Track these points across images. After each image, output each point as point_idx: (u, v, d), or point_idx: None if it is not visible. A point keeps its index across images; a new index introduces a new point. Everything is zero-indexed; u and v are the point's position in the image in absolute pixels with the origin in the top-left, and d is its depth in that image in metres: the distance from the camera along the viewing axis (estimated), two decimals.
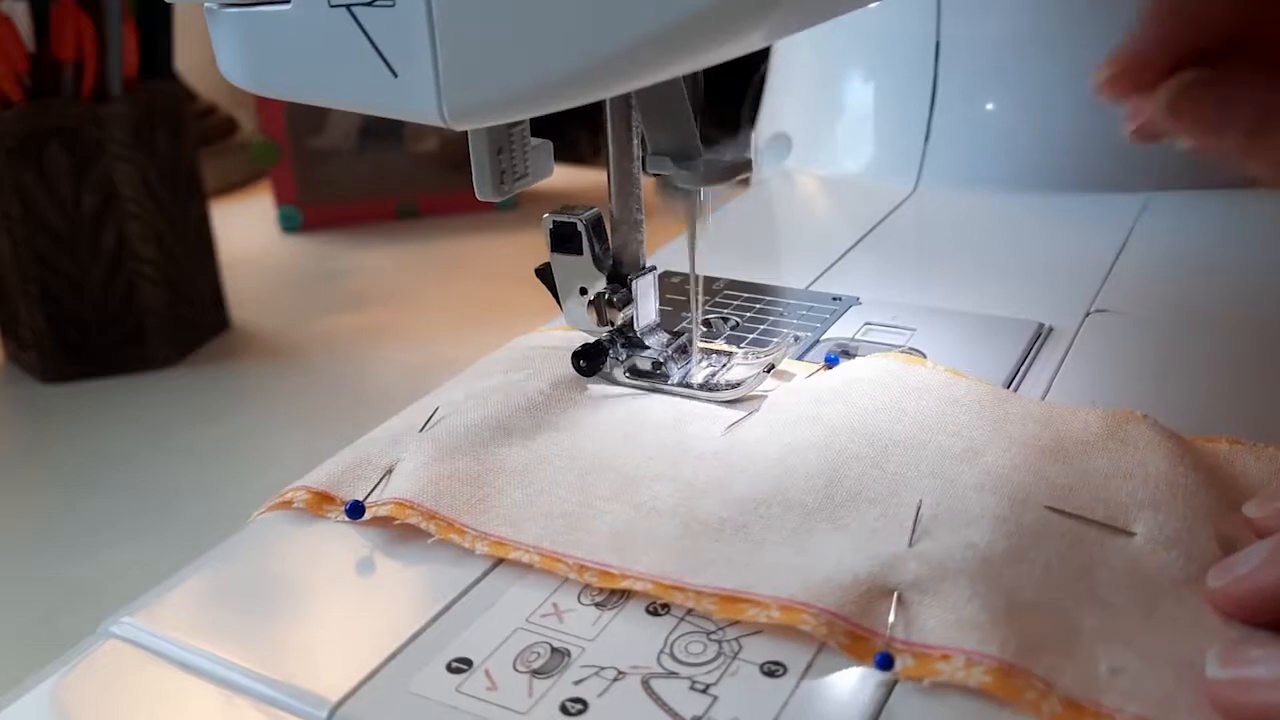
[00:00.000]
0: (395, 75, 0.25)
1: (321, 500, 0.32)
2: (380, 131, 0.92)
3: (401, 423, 0.35)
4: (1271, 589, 0.25)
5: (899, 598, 0.26)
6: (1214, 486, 0.30)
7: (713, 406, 0.36)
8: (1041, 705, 0.23)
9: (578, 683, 0.25)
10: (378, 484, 0.32)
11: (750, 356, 0.39)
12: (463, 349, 0.42)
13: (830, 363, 0.38)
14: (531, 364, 0.38)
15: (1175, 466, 0.30)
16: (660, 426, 0.34)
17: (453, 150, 0.92)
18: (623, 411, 0.36)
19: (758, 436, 0.33)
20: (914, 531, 0.28)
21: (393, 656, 0.26)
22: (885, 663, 0.24)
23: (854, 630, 0.25)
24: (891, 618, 0.25)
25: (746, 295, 0.46)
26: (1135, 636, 0.25)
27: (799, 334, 0.41)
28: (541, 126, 0.33)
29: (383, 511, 0.30)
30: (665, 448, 0.33)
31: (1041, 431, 0.32)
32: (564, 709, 0.24)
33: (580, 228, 0.36)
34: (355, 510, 0.31)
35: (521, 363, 0.39)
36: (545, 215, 0.36)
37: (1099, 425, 0.33)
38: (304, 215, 0.91)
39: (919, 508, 0.29)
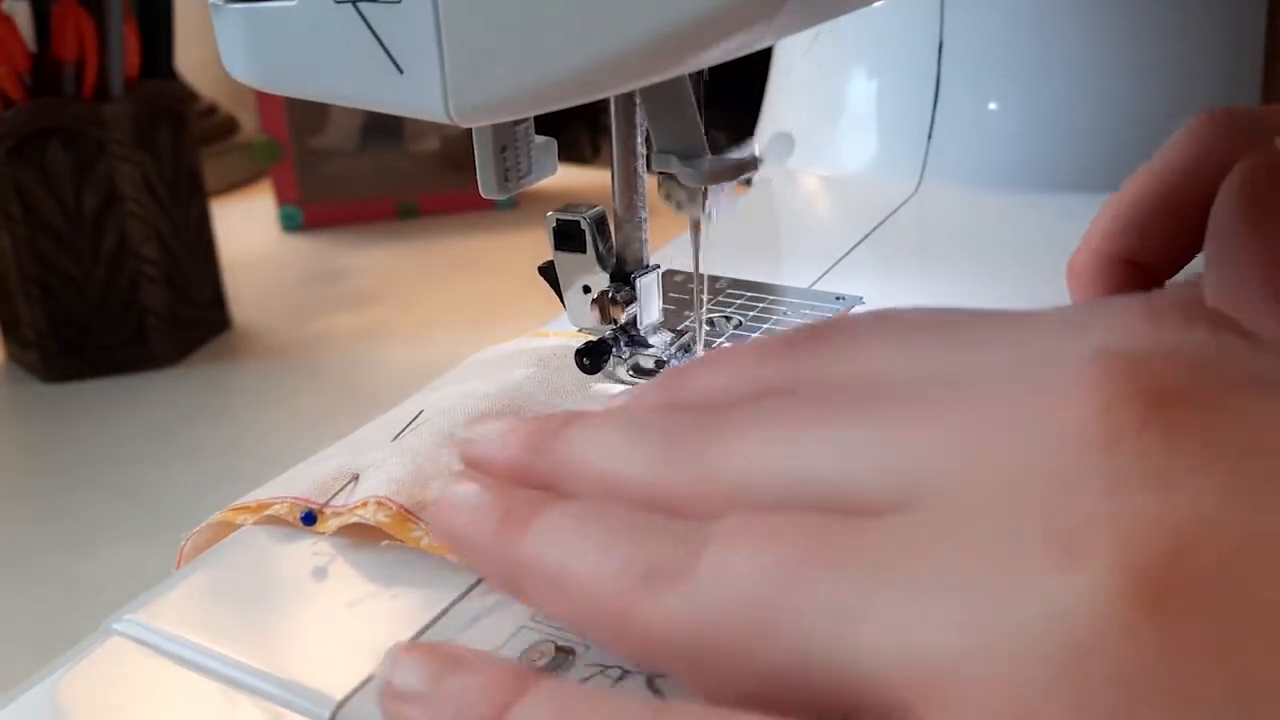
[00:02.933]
0: (401, 72, 0.25)
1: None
2: (381, 131, 0.92)
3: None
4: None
5: (357, 478, 0.30)
6: None
7: None
8: (422, 540, 0.28)
9: (582, 681, 0.24)
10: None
11: None
12: (463, 349, 0.42)
13: None
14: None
15: None
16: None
17: (454, 150, 0.92)
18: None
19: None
20: (401, 432, 0.32)
21: None
22: (309, 519, 0.29)
23: (299, 503, 0.29)
24: (339, 491, 0.30)
25: (749, 295, 0.46)
26: None
27: None
28: (541, 126, 0.33)
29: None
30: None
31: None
32: None
33: (584, 225, 0.36)
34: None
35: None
36: (549, 213, 0.36)
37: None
38: (305, 215, 0.91)
39: (418, 414, 0.33)
